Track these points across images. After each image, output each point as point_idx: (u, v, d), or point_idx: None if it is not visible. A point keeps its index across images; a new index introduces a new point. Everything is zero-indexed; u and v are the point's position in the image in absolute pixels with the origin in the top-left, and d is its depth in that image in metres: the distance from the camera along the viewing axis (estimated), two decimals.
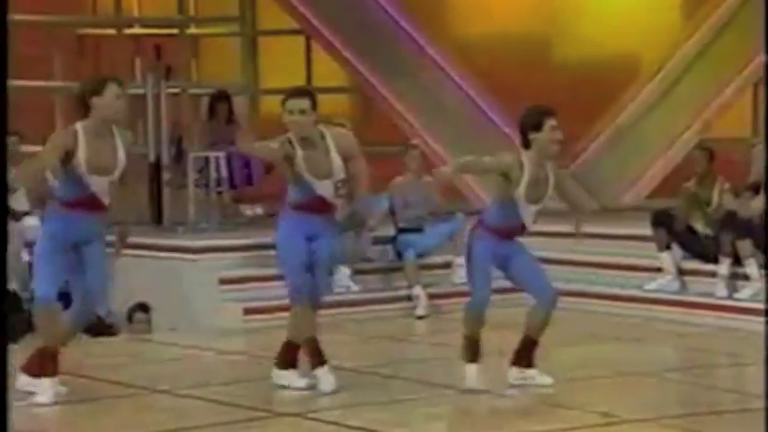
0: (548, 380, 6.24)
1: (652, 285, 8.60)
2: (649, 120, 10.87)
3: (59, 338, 6.03)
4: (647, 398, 6.16)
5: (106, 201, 5.97)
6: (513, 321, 6.43)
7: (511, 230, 6.17)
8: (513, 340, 6.30)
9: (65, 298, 6.18)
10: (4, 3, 3.67)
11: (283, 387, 6.17)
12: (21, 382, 5.98)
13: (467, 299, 9.43)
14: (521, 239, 6.26)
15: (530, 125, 6.10)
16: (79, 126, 5.92)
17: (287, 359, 6.23)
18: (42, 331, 6.04)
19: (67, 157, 5.84)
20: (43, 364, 5.97)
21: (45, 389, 5.96)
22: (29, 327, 8.17)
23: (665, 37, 10.92)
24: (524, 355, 6.24)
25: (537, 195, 6.11)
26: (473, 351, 6.17)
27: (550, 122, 6.08)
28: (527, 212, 6.12)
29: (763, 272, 8.13)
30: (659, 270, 8.60)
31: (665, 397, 6.26)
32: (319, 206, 6.14)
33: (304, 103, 6.08)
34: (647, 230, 8.66)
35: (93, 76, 6.48)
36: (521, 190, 6.05)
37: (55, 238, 5.96)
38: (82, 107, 5.92)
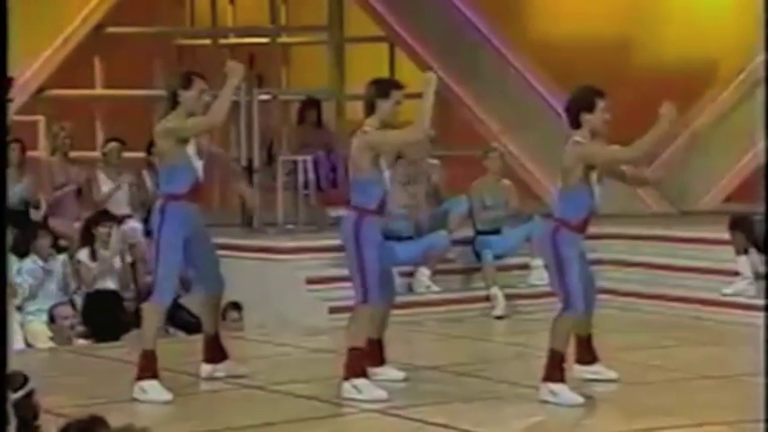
0: (612, 374, 6.36)
1: (729, 289, 8.68)
2: (727, 124, 10.89)
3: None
4: (727, 402, 6.22)
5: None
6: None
7: (588, 222, 6.05)
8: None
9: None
10: (4, 3, 3.94)
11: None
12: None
13: (543, 300, 9.58)
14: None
15: (583, 105, 6.00)
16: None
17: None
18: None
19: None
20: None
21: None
22: (130, 325, 8.63)
23: (744, 42, 10.94)
24: (585, 353, 6.37)
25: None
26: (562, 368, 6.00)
27: (602, 104, 5.99)
28: (598, 194, 6.02)
29: None
30: (737, 274, 8.68)
31: (745, 401, 6.32)
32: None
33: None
34: (725, 234, 8.72)
35: (181, 72, 6.81)
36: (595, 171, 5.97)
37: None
38: (172, 101, 6.31)
